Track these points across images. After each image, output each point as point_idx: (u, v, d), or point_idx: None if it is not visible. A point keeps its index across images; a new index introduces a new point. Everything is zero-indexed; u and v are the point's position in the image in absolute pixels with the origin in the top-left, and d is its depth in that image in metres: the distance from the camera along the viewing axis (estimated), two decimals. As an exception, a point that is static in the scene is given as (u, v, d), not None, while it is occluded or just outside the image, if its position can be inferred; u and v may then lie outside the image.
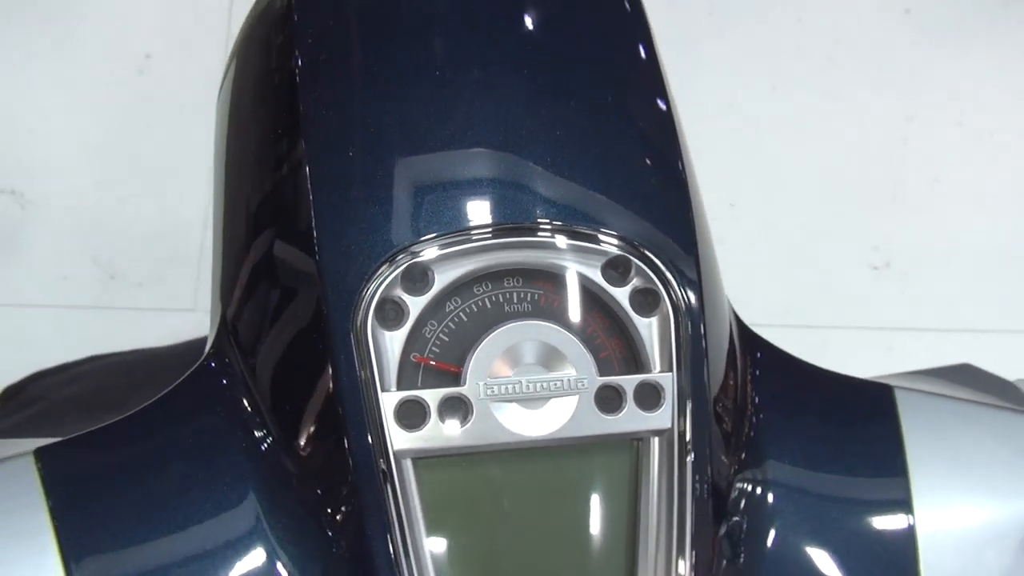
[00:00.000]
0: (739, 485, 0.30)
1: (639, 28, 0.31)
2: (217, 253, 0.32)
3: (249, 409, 0.28)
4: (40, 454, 0.29)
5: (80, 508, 0.28)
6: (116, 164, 1.64)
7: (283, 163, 0.28)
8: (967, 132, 1.91)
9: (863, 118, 1.87)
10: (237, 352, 0.28)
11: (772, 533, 0.30)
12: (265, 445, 0.27)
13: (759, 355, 0.33)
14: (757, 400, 0.32)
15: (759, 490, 0.31)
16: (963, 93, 2.04)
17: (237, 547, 0.26)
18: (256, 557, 0.26)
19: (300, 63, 0.28)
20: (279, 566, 0.26)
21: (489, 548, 0.26)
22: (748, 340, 0.33)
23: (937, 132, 1.92)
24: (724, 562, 0.29)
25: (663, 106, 0.31)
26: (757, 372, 0.32)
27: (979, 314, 1.62)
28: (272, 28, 0.31)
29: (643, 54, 0.31)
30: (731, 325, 0.33)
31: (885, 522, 0.31)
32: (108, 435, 0.29)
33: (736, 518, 0.30)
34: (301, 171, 0.27)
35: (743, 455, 0.31)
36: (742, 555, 0.29)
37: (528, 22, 0.30)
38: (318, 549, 0.25)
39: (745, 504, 0.30)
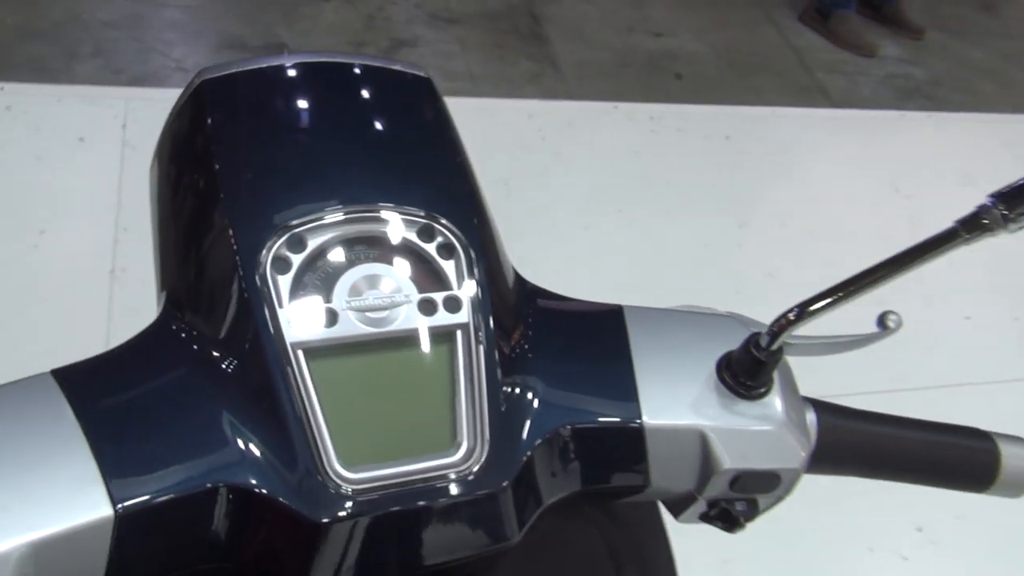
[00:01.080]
0: (516, 363, 0.44)
1: (435, 99, 0.50)
2: (156, 255, 0.47)
3: (198, 342, 0.42)
4: (56, 374, 0.41)
5: (101, 415, 0.39)
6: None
7: (205, 190, 0.44)
8: (791, 232, 2.21)
9: (702, 229, 2.14)
10: (185, 309, 0.43)
11: (535, 391, 0.44)
12: (213, 363, 0.41)
13: (534, 294, 0.49)
14: (530, 319, 0.47)
15: (528, 365, 0.44)
16: (783, 200, 2.35)
17: (223, 441, 0.39)
18: (235, 448, 0.39)
19: (212, 134, 0.45)
20: (251, 447, 0.39)
21: (360, 412, 0.41)
22: (526, 287, 0.49)
23: (767, 234, 2.20)
24: (504, 408, 0.42)
25: (453, 139, 0.48)
26: (531, 304, 0.48)
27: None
28: (191, 114, 0.47)
29: (437, 114, 0.49)
30: (509, 273, 0.48)
31: (610, 374, 0.45)
32: (107, 364, 0.42)
33: (515, 382, 0.44)
34: (216, 193, 0.43)
35: (517, 347, 0.45)
36: (517, 406, 0.43)
37: (362, 101, 0.48)
38: (265, 429, 0.39)
39: (520, 372, 0.44)
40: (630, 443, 0.45)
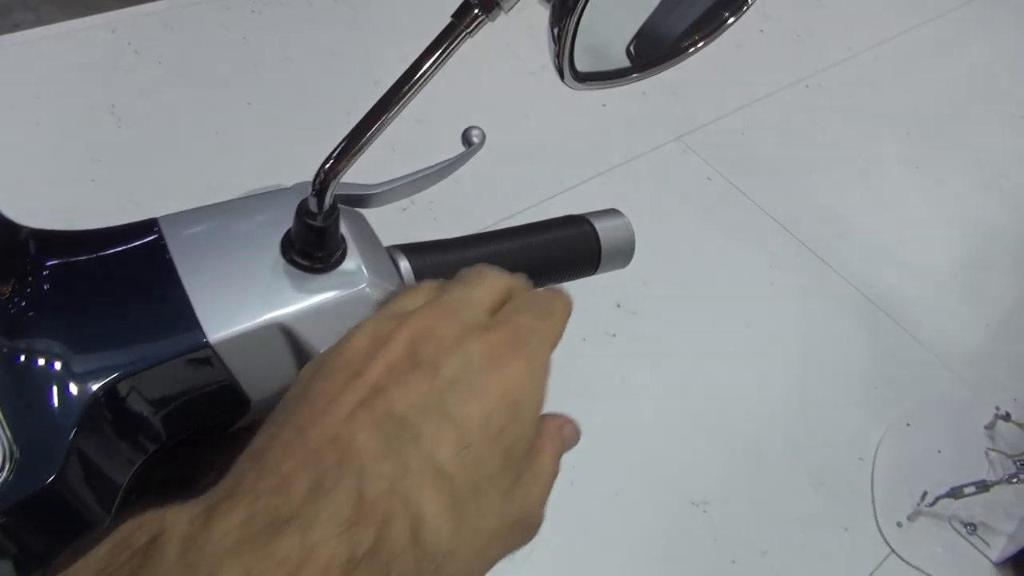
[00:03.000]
0: (21, 329, 0.37)
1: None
2: None
3: None
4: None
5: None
6: None
7: None
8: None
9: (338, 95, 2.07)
10: None
11: (56, 355, 0.37)
12: None
13: (36, 239, 0.41)
14: (30, 270, 0.39)
15: (39, 327, 0.38)
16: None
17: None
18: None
19: None
20: None
21: None
22: (19, 234, 0.41)
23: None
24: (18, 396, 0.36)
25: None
26: (29, 254, 0.40)
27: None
28: None
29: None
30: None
31: (157, 301, 0.39)
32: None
33: (26, 351, 0.37)
34: None
35: (18, 314, 0.38)
36: (36, 383, 0.37)
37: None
38: None
39: (29, 338, 0.37)
40: (205, 370, 0.40)
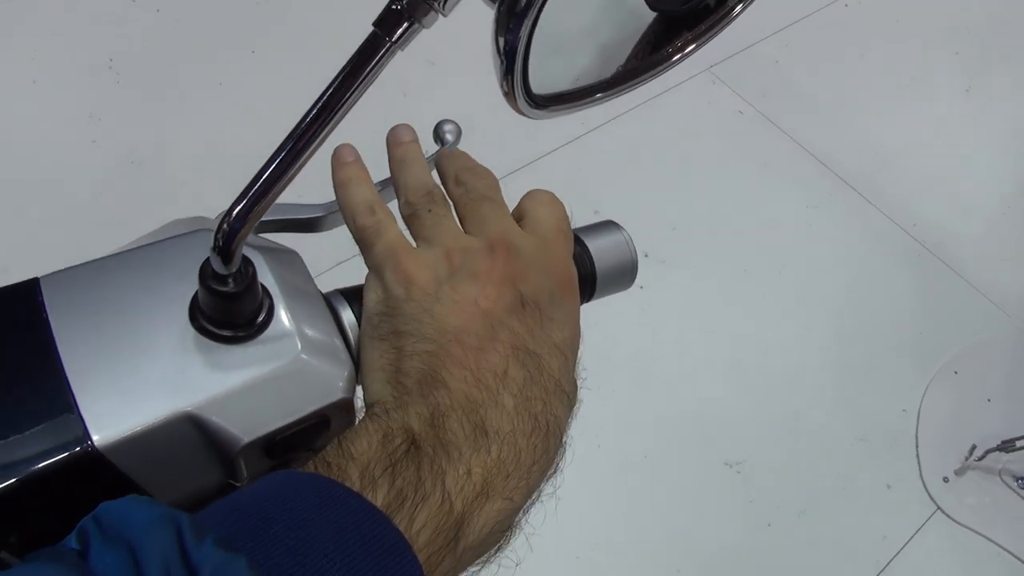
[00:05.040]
0: None
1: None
2: None
3: None
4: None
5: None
6: None
7: None
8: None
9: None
10: None
11: None
12: None
13: None
14: None
15: None
16: None
17: None
18: None
19: None
20: None
21: None
22: None
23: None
24: None
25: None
26: None
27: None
28: None
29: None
30: None
31: (30, 388, 0.32)
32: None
33: None
34: None
35: None
36: None
37: None
38: None
39: None
40: (97, 475, 0.32)
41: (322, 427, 0.36)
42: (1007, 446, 1.52)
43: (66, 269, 0.35)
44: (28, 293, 0.34)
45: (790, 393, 1.60)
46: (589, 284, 0.47)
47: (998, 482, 1.55)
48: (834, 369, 1.64)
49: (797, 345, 1.66)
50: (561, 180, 1.80)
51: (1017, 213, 1.96)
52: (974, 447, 1.54)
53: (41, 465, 0.31)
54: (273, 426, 0.34)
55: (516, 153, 1.79)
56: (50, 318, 0.33)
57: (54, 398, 0.32)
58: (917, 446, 1.57)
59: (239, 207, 0.31)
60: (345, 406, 0.37)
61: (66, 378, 0.32)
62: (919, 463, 1.55)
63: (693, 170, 1.88)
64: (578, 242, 0.47)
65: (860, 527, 1.47)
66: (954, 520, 1.50)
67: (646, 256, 1.71)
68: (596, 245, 0.47)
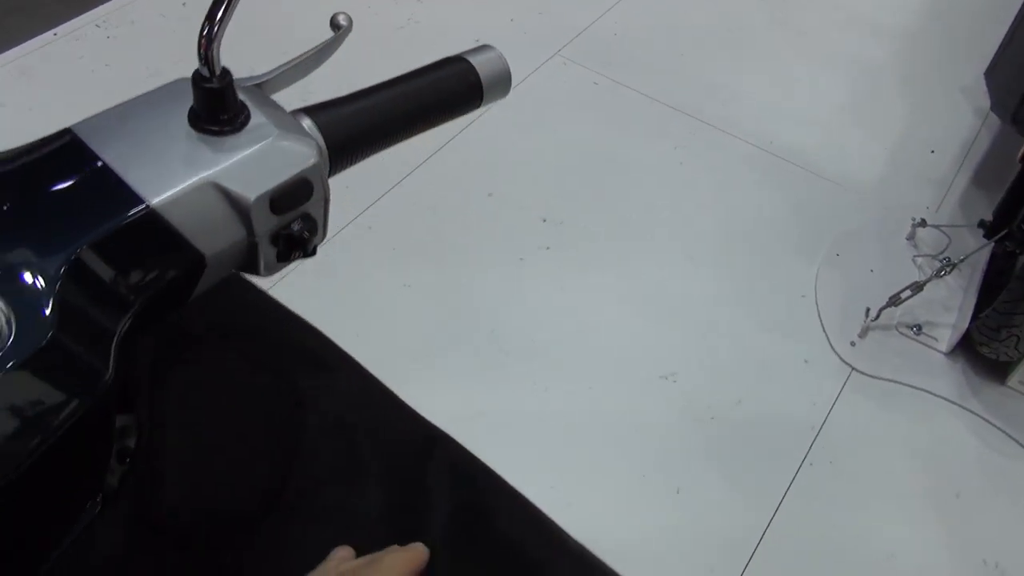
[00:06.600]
0: None
1: None
2: None
3: None
4: None
5: None
6: None
7: None
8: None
9: None
10: None
11: (21, 240, 0.40)
12: None
13: None
14: None
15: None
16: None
17: None
18: None
19: None
20: None
21: None
22: None
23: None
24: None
25: None
26: None
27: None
28: None
29: None
30: None
31: (91, 184, 0.42)
32: None
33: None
34: None
35: None
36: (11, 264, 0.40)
37: None
38: None
39: None
40: (155, 231, 0.43)
41: (307, 189, 0.47)
42: (894, 300, 1.71)
43: (86, 119, 0.46)
44: (63, 134, 0.45)
45: (699, 309, 1.75)
46: (477, 92, 0.60)
47: (896, 335, 1.74)
48: (732, 279, 1.81)
49: (695, 266, 1.83)
50: (455, 173, 1.93)
51: (853, 114, 2.21)
52: (868, 310, 1.73)
53: (118, 226, 0.41)
54: (270, 186, 0.45)
55: (392, 165, 1.92)
56: (86, 141, 0.44)
57: (111, 184, 0.42)
58: (821, 322, 1.75)
59: (207, 23, 0.43)
60: (320, 173, 0.48)
61: (109, 167, 0.43)
62: (827, 336, 1.73)
63: (567, 141, 2.04)
64: (463, 61, 0.60)
65: (790, 400, 1.63)
66: (868, 375, 1.67)
67: (544, 221, 1.86)
68: (478, 60, 0.60)
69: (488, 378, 1.60)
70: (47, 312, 0.37)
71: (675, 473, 1.51)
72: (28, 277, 0.38)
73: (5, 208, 0.41)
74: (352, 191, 1.86)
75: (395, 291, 1.72)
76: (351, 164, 0.54)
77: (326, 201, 0.50)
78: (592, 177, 1.97)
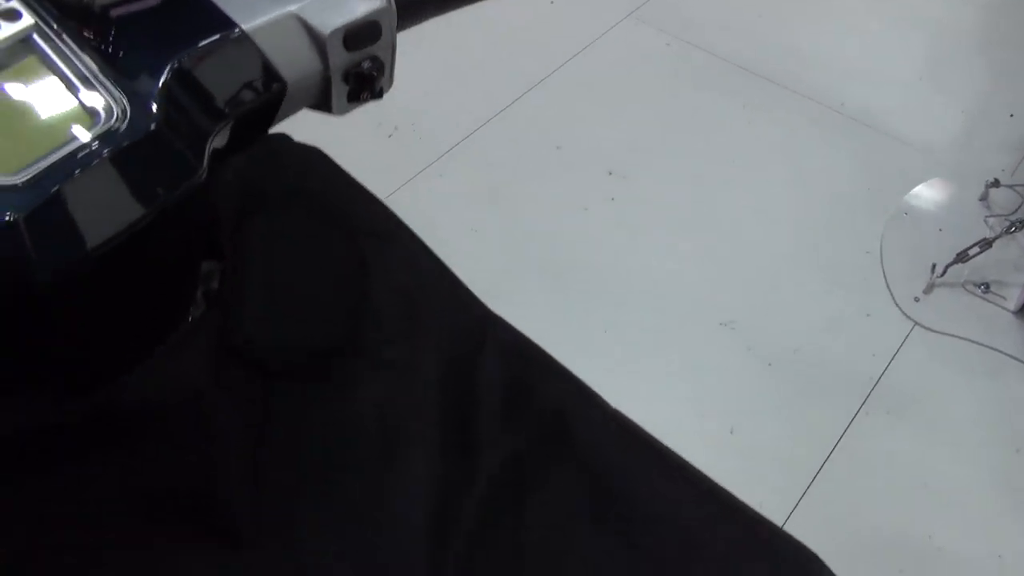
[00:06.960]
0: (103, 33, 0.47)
1: None
2: None
3: None
4: None
5: None
6: None
7: None
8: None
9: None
10: None
11: (133, 45, 0.46)
12: None
13: None
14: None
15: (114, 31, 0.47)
16: None
17: None
18: None
19: None
20: None
21: None
22: None
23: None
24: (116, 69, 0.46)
25: None
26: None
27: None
28: None
29: None
30: None
31: (191, 10, 0.48)
32: None
33: (112, 47, 0.47)
34: None
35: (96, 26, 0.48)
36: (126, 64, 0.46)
37: None
38: None
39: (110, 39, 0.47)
40: (245, 52, 0.49)
41: (376, 31, 0.53)
42: (962, 256, 1.70)
43: None
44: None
45: (765, 259, 1.77)
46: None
47: (963, 292, 1.72)
48: (796, 233, 1.82)
49: (762, 219, 1.84)
50: (524, 127, 1.99)
51: (930, 77, 2.18)
52: (935, 266, 1.72)
53: (215, 43, 0.48)
54: (342, 21, 0.51)
55: (468, 119, 1.98)
56: None
57: (210, 12, 0.49)
58: (885, 277, 1.74)
59: None
60: (388, 19, 0.53)
61: (212, 3, 0.49)
62: (890, 291, 1.72)
63: (638, 101, 2.07)
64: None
65: (850, 351, 1.63)
66: (931, 330, 1.66)
67: (610, 174, 1.90)
68: None
69: (551, 319, 1.65)
70: (154, 107, 0.44)
71: (729, 414, 1.54)
72: (139, 76, 0.45)
73: (119, 18, 0.47)
74: (424, 142, 1.93)
75: (462, 235, 1.78)
76: (418, 21, 0.59)
77: (393, 48, 0.55)
78: (658, 134, 2.00)
